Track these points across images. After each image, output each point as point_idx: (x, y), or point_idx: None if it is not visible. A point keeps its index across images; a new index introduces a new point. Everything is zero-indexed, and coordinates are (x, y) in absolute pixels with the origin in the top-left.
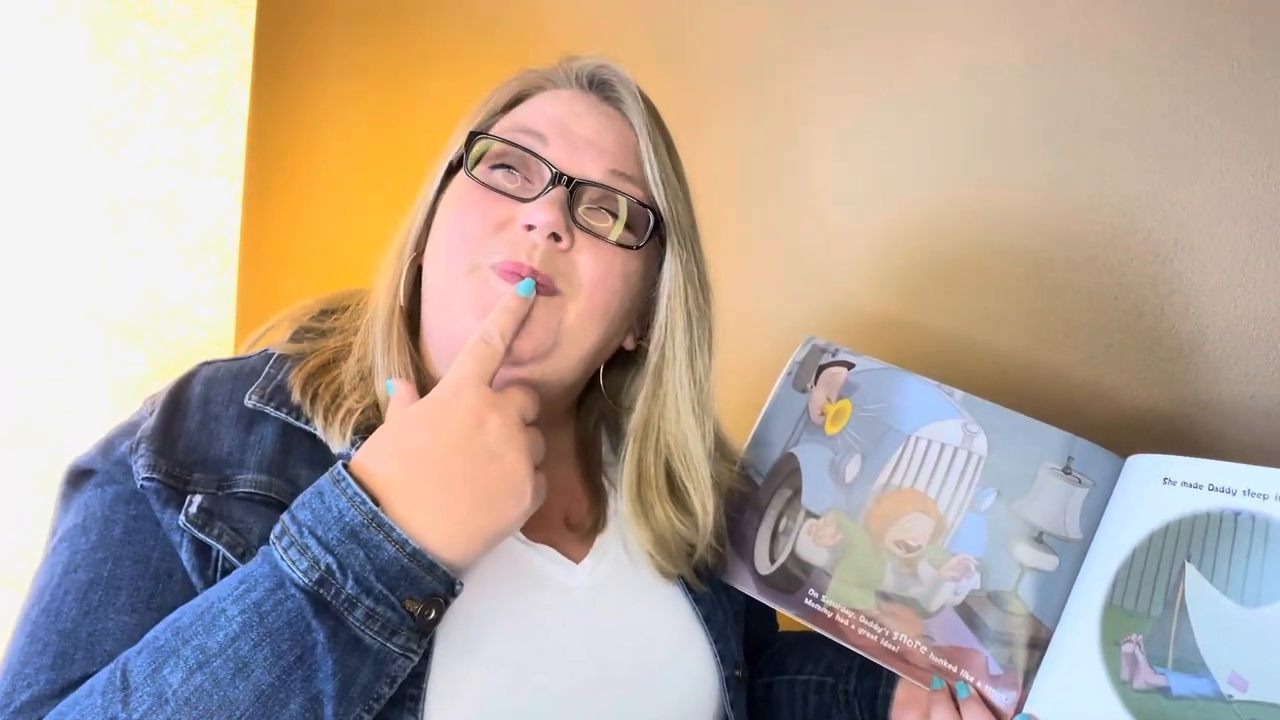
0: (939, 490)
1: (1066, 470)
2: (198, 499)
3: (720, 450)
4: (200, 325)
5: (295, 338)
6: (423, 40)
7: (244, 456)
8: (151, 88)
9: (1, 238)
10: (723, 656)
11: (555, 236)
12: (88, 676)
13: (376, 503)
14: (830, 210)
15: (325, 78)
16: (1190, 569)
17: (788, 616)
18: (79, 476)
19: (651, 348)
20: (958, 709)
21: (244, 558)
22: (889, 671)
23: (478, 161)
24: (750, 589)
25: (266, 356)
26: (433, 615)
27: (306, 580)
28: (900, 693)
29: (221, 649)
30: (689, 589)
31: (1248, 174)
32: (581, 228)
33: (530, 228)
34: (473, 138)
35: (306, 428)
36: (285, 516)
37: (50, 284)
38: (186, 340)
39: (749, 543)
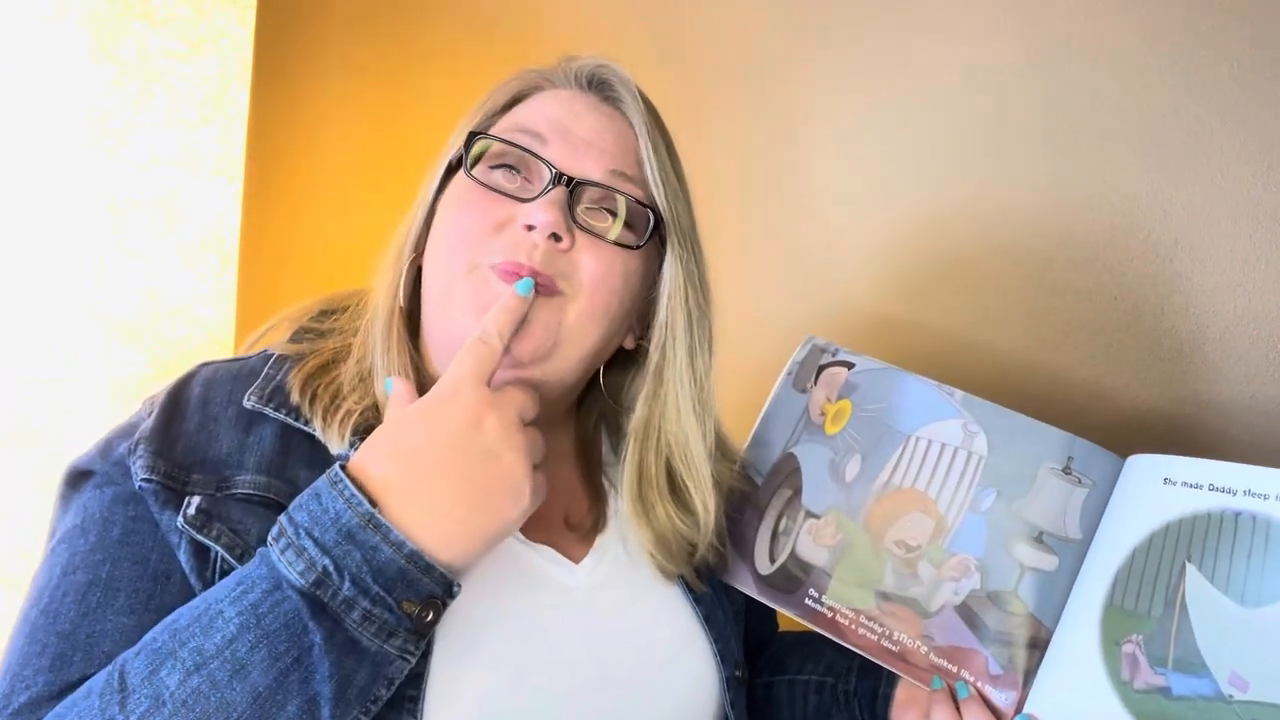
0: (939, 490)
1: (1066, 470)
2: (196, 500)
3: (721, 449)
4: (200, 325)
5: (295, 338)
6: (423, 40)
7: (243, 457)
8: (151, 88)
9: (1, 238)
10: (723, 656)
11: (556, 237)
12: (86, 678)
13: (374, 504)
14: (830, 210)
15: (325, 78)
16: (1190, 569)
17: (788, 616)
18: (78, 478)
19: (652, 347)
20: (958, 709)
21: (242, 559)
22: (889, 671)
23: (477, 161)
24: (750, 589)
25: (266, 357)
26: (430, 617)
27: (303, 582)
28: (900, 693)
29: (219, 651)
30: (689, 589)
31: (1248, 174)
32: (581, 227)
33: (530, 228)
34: (472, 137)
35: (305, 429)
36: (283, 518)
37: (50, 284)
38: (186, 340)
39: (749, 542)
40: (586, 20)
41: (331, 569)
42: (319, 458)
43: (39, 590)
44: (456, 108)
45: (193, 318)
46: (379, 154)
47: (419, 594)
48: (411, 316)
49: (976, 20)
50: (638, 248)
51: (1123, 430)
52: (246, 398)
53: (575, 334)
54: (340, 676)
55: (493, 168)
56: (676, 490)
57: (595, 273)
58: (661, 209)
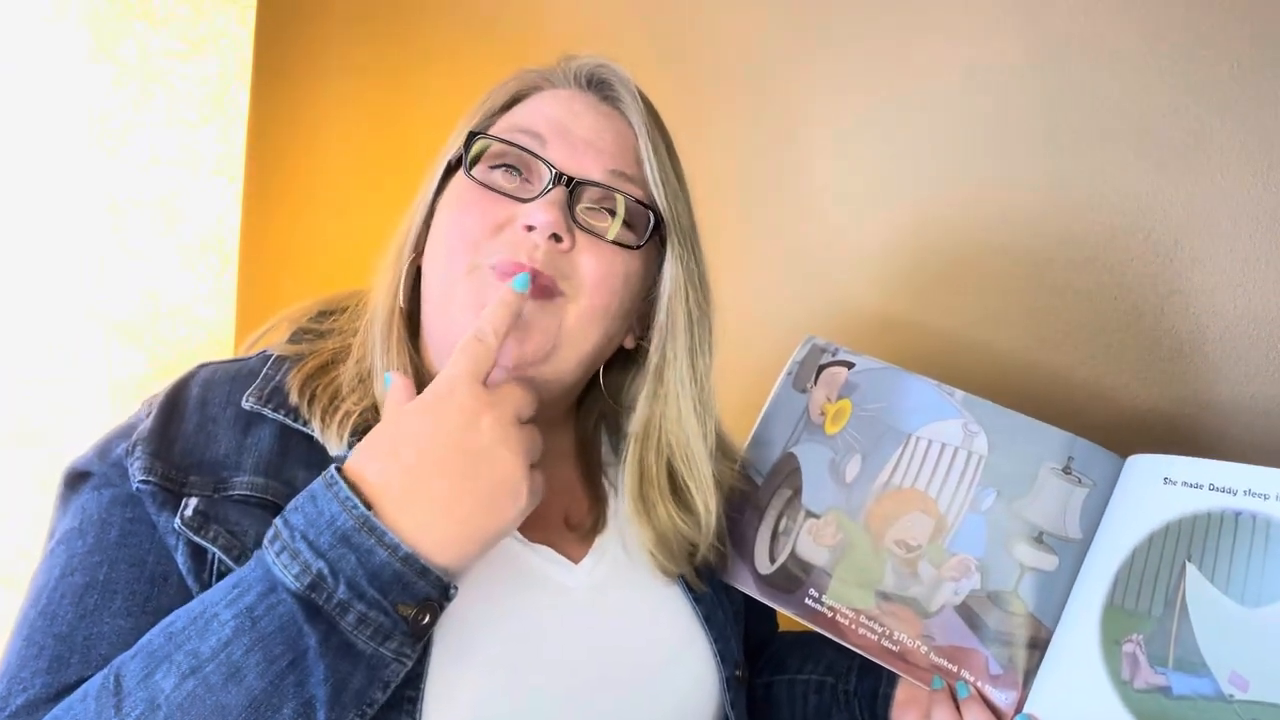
0: (939, 490)
1: (1067, 470)
2: (193, 501)
3: (721, 449)
4: (200, 325)
5: (294, 339)
6: (423, 40)
7: (240, 459)
8: (151, 88)
9: (1, 238)
10: (723, 656)
11: (556, 237)
12: (83, 680)
13: (369, 506)
14: (830, 210)
15: (325, 78)
16: (1191, 569)
17: (788, 616)
18: (76, 479)
19: (652, 347)
20: (958, 709)
21: (239, 560)
22: (889, 671)
23: (476, 161)
24: (750, 589)
25: (265, 358)
26: (427, 620)
27: (298, 585)
28: (900, 692)
29: (214, 654)
30: (689, 589)
31: (1248, 174)
32: (581, 227)
33: (530, 228)
34: (472, 137)
35: (304, 429)
36: (278, 520)
37: (50, 284)
38: (186, 340)
39: (749, 542)
40: (586, 20)
41: (326, 572)
42: (317, 458)
43: (37, 592)
44: (456, 108)
45: (193, 318)
46: (379, 154)
47: (415, 597)
48: (411, 317)
49: (976, 20)
50: (638, 248)
51: (1123, 430)
52: (245, 399)
53: (576, 334)
54: (335, 680)
55: (492, 168)
56: (678, 490)
57: (596, 273)
58: (661, 209)
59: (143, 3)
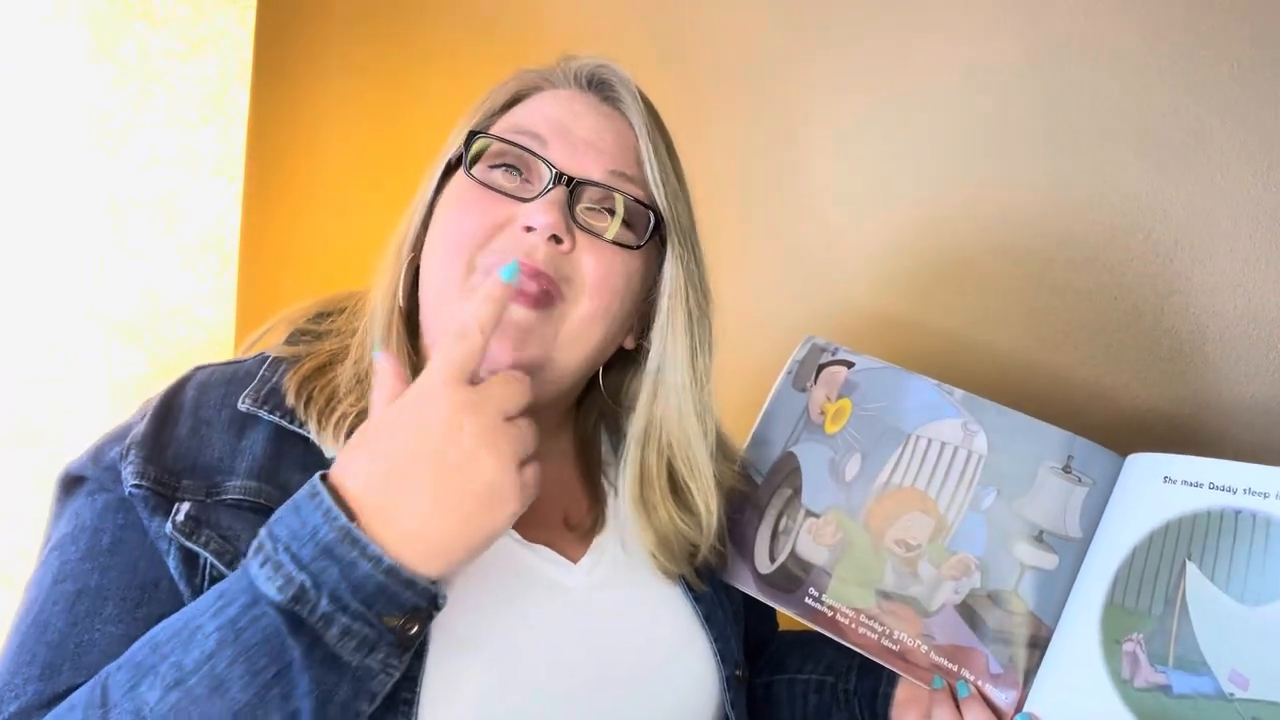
0: (939, 489)
1: (1066, 469)
2: (185, 506)
3: (721, 450)
4: (200, 325)
5: (291, 340)
6: (423, 40)
7: (234, 463)
8: (151, 88)
9: (1, 238)
10: (723, 656)
11: (556, 239)
12: (75, 688)
13: (352, 517)
14: (830, 210)
15: (325, 78)
16: (1191, 567)
17: (788, 616)
18: (71, 483)
19: (652, 348)
20: (958, 708)
21: (231, 565)
22: (889, 670)
23: (476, 160)
24: (750, 588)
25: (261, 359)
26: (415, 630)
27: (281, 597)
28: (901, 692)
29: (197, 666)
30: (689, 588)
31: (1248, 174)
32: (581, 227)
33: (530, 229)
34: (472, 136)
35: (300, 431)
36: (263, 531)
37: (50, 284)
38: (186, 340)
39: (749, 542)
40: (586, 20)
41: (309, 585)
42: (313, 461)
43: (31, 599)
44: (456, 108)
45: (193, 318)
46: (379, 154)
47: (401, 607)
48: (410, 316)
49: (976, 20)
50: (638, 248)
51: (1123, 430)
52: (241, 400)
53: (576, 336)
54: (320, 692)
55: (492, 167)
56: (678, 491)
57: (597, 273)
58: (661, 209)
59: (143, 3)
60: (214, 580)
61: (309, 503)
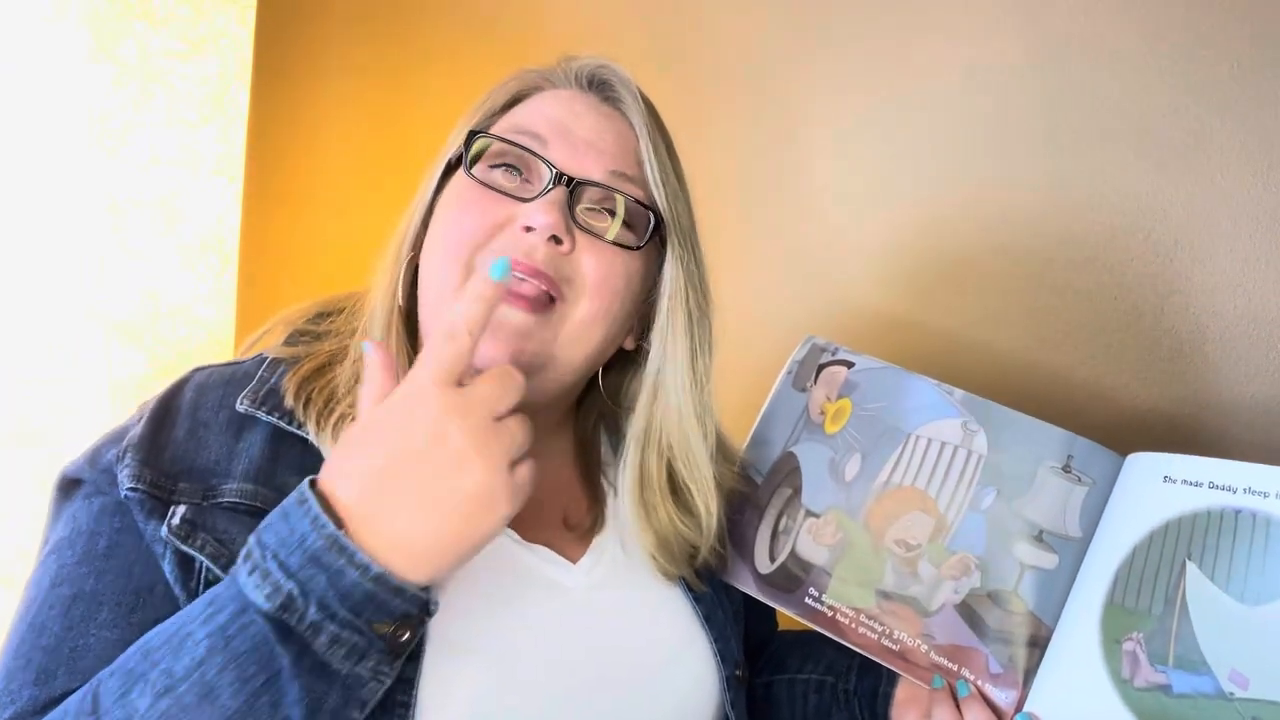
0: (939, 489)
1: (1066, 469)
2: (181, 509)
3: (721, 451)
4: (200, 325)
5: (290, 341)
6: (423, 40)
7: (231, 465)
8: (151, 88)
9: (1, 238)
10: (723, 656)
11: (556, 240)
12: (69, 693)
13: (340, 524)
14: (830, 210)
15: (325, 78)
16: (1191, 567)
17: (788, 615)
18: (68, 485)
19: (652, 349)
20: (958, 708)
21: (227, 569)
22: (889, 670)
23: (476, 160)
24: (750, 588)
25: (260, 361)
26: (406, 636)
27: (269, 605)
28: (901, 691)
29: (187, 673)
30: (689, 588)
31: (1248, 174)
32: (581, 228)
33: (529, 229)
34: (472, 136)
35: (298, 432)
36: (252, 538)
37: (50, 284)
38: (186, 340)
39: (749, 542)
40: (586, 20)
41: (296, 593)
42: (311, 463)
43: (27, 603)
44: (456, 108)
45: (193, 318)
46: (379, 154)
47: (391, 615)
48: (410, 316)
49: (976, 20)
50: (638, 248)
51: (1123, 430)
52: (239, 401)
53: (575, 337)
54: (310, 700)
55: (492, 167)
56: (678, 492)
57: (597, 274)
58: (662, 209)
59: (143, 3)
60: (209, 584)
61: (297, 509)
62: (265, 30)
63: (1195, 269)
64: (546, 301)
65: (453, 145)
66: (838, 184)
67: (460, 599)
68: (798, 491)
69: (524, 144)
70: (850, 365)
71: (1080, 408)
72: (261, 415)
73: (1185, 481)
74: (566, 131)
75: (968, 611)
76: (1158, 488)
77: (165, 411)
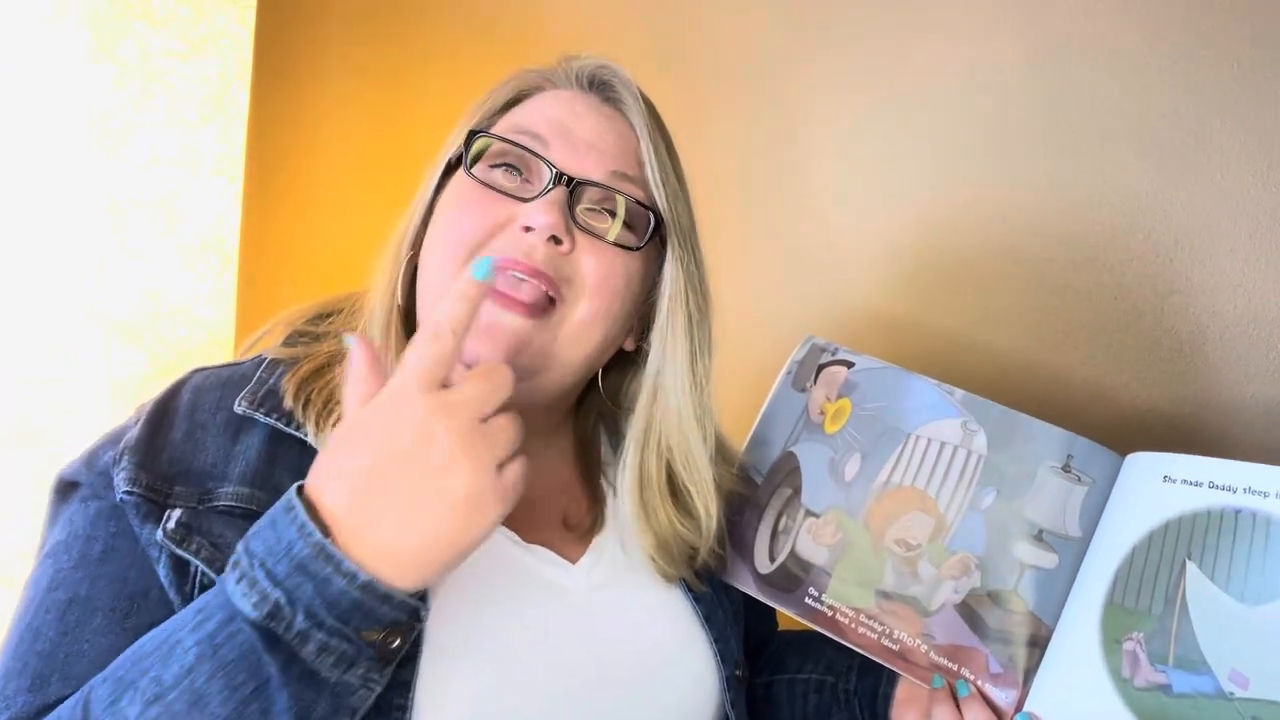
0: (939, 489)
1: (1066, 468)
2: (177, 513)
3: (720, 453)
4: (200, 325)
5: (289, 342)
6: (423, 40)
7: (227, 468)
8: (151, 88)
9: (1, 238)
10: (723, 656)
11: (556, 240)
12: (64, 698)
13: (327, 531)
14: (830, 210)
15: (325, 78)
16: (1191, 567)
17: (788, 615)
18: (66, 488)
19: (652, 350)
20: (958, 707)
21: (222, 573)
22: (889, 670)
23: (477, 160)
24: (750, 588)
25: (259, 362)
26: (397, 643)
27: (256, 614)
28: (901, 691)
29: (176, 681)
30: (689, 588)
31: (1248, 174)
32: (581, 228)
33: (529, 229)
34: (473, 135)
35: (297, 434)
36: (240, 546)
37: (50, 284)
38: (186, 340)
39: (749, 542)
40: (586, 20)
41: (284, 602)
42: (308, 464)
43: (24, 607)
44: (456, 108)
45: (193, 318)
46: (379, 154)
47: (379, 622)
48: (409, 316)
49: (976, 20)
50: (638, 249)
51: (1123, 430)
52: (237, 402)
53: (576, 337)
54: (299, 708)
55: (492, 167)
56: (677, 493)
57: (597, 274)
58: (662, 210)
59: (143, 3)
60: (204, 588)
61: (284, 516)
62: (265, 30)
63: (1195, 269)
64: (545, 305)
65: (453, 145)
66: (838, 184)
67: (459, 600)
68: (797, 491)
69: (524, 144)
70: (850, 365)
71: (1080, 408)
72: (260, 417)
73: (1185, 481)
74: (567, 132)
75: (968, 611)
76: (1158, 487)
77: (162, 414)
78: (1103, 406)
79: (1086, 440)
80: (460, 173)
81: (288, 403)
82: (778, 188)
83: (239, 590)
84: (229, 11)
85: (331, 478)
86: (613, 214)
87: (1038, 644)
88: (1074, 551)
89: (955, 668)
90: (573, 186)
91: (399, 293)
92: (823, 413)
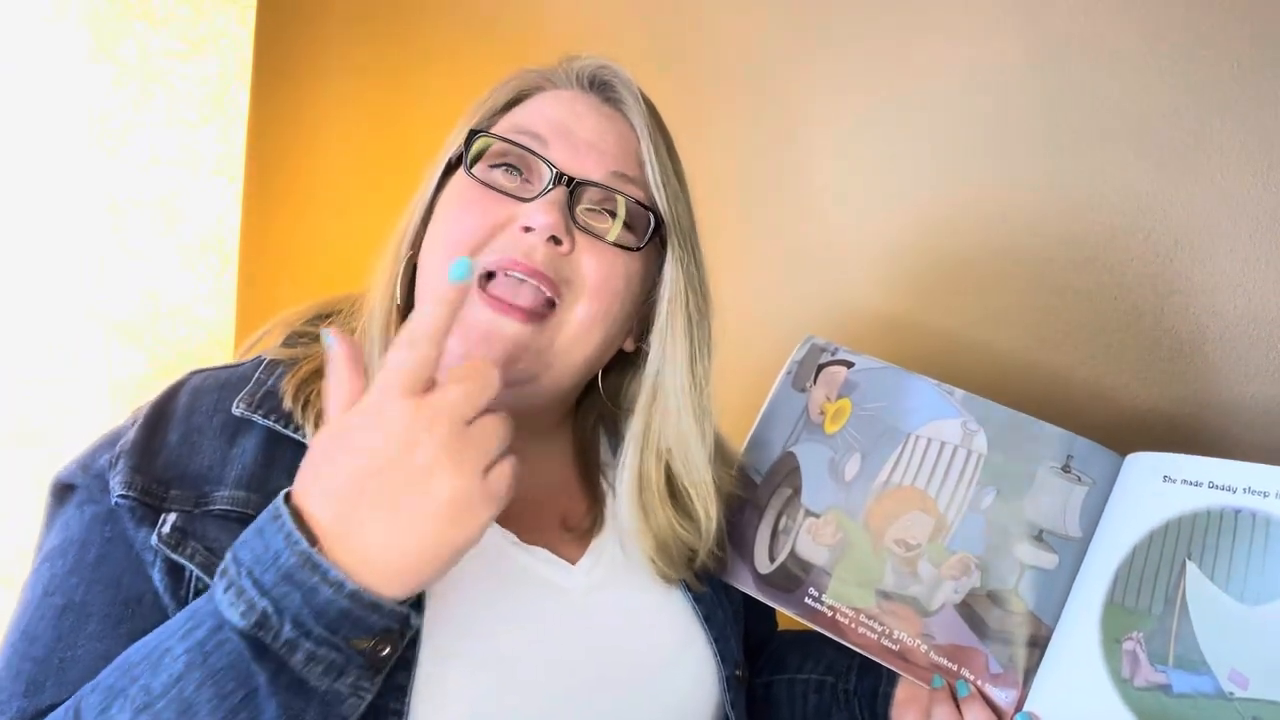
0: (939, 489)
1: (1066, 468)
2: (172, 517)
3: (719, 454)
4: (200, 325)
5: (288, 343)
6: (423, 40)
7: (223, 472)
8: (151, 88)
9: (1, 238)
10: (723, 656)
11: (556, 240)
12: (57, 704)
13: (314, 541)
14: (830, 210)
15: (325, 78)
16: (1191, 567)
17: (787, 615)
18: (62, 491)
19: (651, 351)
20: (958, 707)
21: None
22: (889, 670)
23: (477, 159)
24: (750, 588)
25: (258, 363)
26: (387, 651)
27: (244, 623)
28: (901, 691)
29: (165, 690)
30: (689, 588)
31: (1248, 174)
32: (581, 228)
33: (529, 229)
34: (473, 135)
35: (294, 436)
36: (228, 555)
37: (50, 284)
38: (186, 340)
39: (748, 542)
40: (586, 20)
41: (271, 611)
42: None
43: (20, 612)
44: (456, 108)
45: (193, 318)
46: (379, 154)
47: (369, 631)
48: (409, 315)
49: (976, 20)
50: (638, 249)
51: (1123, 430)
52: (235, 404)
53: (576, 338)
54: (288, 717)
55: (493, 166)
56: (676, 495)
57: (597, 275)
58: (662, 210)
59: (143, 3)
60: (199, 593)
61: (272, 524)
62: (265, 30)
63: (1195, 269)
64: (544, 309)
65: (453, 145)
66: (838, 184)
67: (458, 601)
68: (797, 491)
69: (524, 144)
70: (850, 365)
71: (1080, 408)
72: (258, 419)
73: (1185, 481)
74: (567, 132)
75: (968, 611)
76: (1158, 487)
77: (159, 416)
78: (1103, 406)
79: (1086, 440)
80: (460, 172)
81: (287, 404)
82: (778, 188)
83: (227, 599)
84: (229, 11)
85: (316, 486)
86: (613, 214)
87: (1038, 644)
88: (1074, 551)
89: (955, 668)
90: (573, 187)
91: (399, 293)
92: (823, 413)
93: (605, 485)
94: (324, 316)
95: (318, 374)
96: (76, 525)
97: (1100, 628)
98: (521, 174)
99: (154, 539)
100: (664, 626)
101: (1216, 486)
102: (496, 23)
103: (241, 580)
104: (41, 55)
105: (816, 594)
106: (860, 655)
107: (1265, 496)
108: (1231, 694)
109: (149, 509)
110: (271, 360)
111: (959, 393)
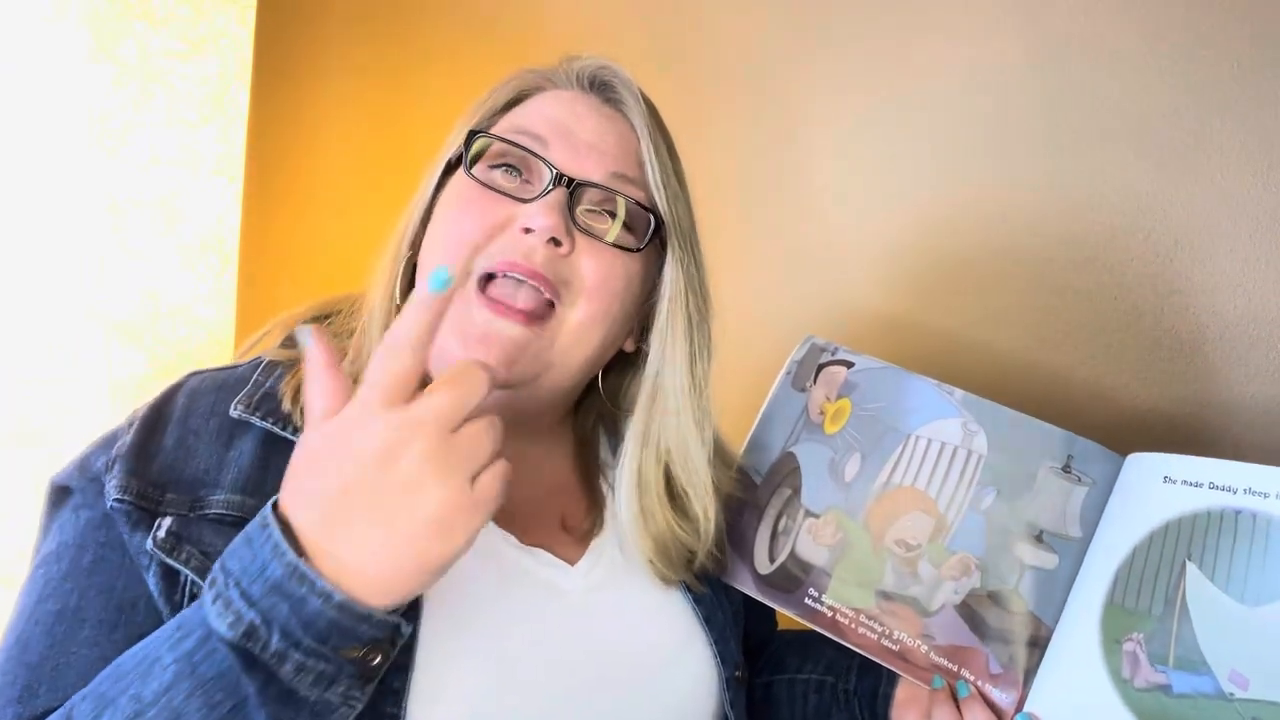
0: (939, 489)
1: (1066, 469)
2: (167, 521)
3: (719, 455)
4: (200, 325)
5: (286, 344)
6: (423, 40)
7: (220, 475)
8: (151, 88)
9: (1, 238)
10: (723, 657)
11: (556, 242)
12: (51, 710)
13: (301, 551)
14: (830, 210)
15: (325, 78)
16: (1191, 567)
17: (787, 616)
18: (59, 494)
19: (651, 352)
20: (959, 708)
21: None
22: (889, 670)
23: (477, 160)
24: (750, 588)
25: (256, 364)
26: (378, 660)
27: (232, 634)
28: (901, 692)
29: (155, 699)
30: (689, 589)
31: (1248, 174)
32: (581, 229)
33: (529, 230)
34: (473, 135)
35: (292, 438)
36: (217, 565)
37: (50, 284)
38: (186, 340)
39: (748, 542)
40: (586, 20)
41: (259, 623)
42: None
43: (17, 615)
44: (456, 108)
45: (193, 318)
46: (379, 154)
47: (359, 640)
48: None
49: (976, 20)
50: (638, 250)
51: (1123, 430)
52: (233, 406)
53: (576, 339)
54: None
55: (492, 167)
56: (675, 496)
57: (597, 276)
58: (662, 211)
59: (143, 3)
60: (194, 598)
61: (260, 534)
62: (265, 30)
63: (1195, 269)
64: (543, 311)
65: (453, 145)
66: (838, 184)
67: (457, 602)
68: (797, 492)
69: (524, 144)
70: (850, 365)
71: (1080, 408)
72: (256, 421)
73: (1185, 482)
74: (567, 132)
75: (968, 612)
76: (1158, 488)
77: (156, 418)
78: (1103, 406)
79: (1086, 440)
80: (460, 173)
81: (286, 406)
82: (778, 188)
83: (215, 610)
84: (229, 11)
85: (302, 498)
86: (613, 215)
87: (1038, 644)
88: (1074, 552)
89: (955, 668)
90: (573, 188)
91: (398, 293)
92: (822, 413)
93: (605, 486)
94: (323, 317)
95: None
96: (72, 530)
97: (1100, 628)
98: (521, 174)
99: (149, 543)
100: (664, 627)
101: (1217, 487)
102: (496, 23)
103: (229, 591)
104: (41, 55)
105: (816, 594)
106: (860, 655)
107: (1265, 497)
108: (1232, 695)
109: (144, 513)
110: (270, 361)
111: (959, 393)
